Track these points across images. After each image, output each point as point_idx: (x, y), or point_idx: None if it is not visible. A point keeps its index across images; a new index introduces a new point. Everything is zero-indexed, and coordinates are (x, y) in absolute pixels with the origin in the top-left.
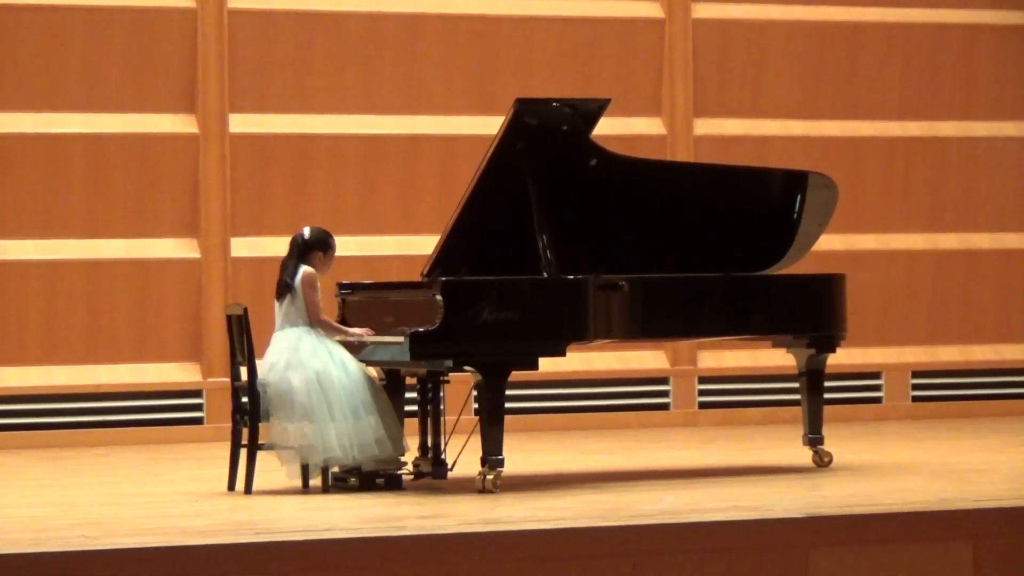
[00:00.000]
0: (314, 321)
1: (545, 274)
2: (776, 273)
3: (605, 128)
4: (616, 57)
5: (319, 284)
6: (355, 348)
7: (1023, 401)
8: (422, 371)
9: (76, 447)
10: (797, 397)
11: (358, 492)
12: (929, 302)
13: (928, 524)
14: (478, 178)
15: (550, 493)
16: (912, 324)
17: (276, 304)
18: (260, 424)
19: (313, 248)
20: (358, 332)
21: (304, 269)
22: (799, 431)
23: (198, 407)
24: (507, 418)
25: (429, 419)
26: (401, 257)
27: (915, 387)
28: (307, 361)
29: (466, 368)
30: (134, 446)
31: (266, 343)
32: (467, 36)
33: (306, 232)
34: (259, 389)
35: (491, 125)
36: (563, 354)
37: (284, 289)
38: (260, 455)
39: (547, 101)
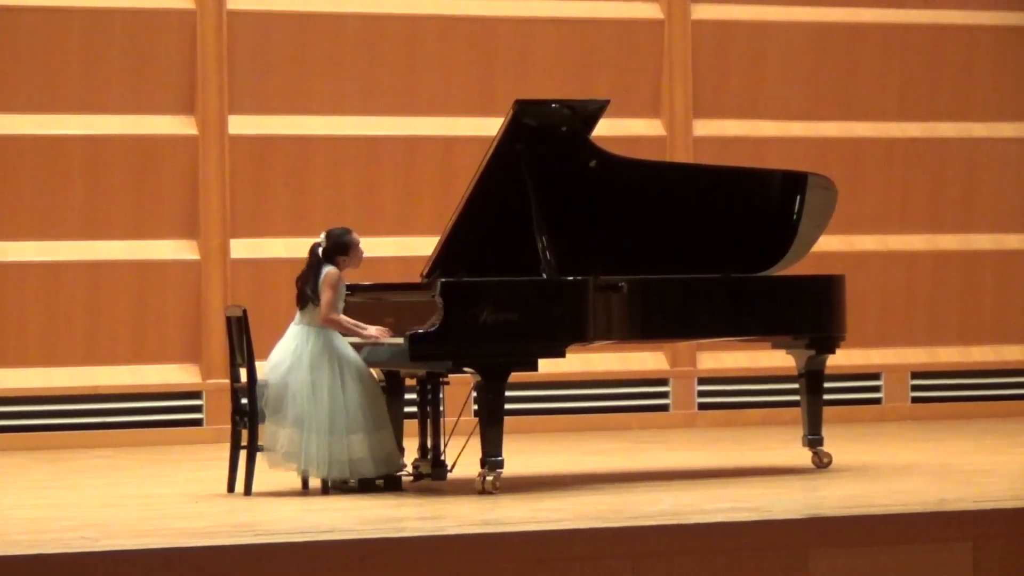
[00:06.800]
0: (321, 319)
1: (545, 275)
2: (775, 274)
3: (604, 129)
4: (615, 58)
5: (342, 285)
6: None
7: (1023, 402)
8: (421, 372)
9: (76, 449)
10: (797, 398)
11: (357, 494)
12: (929, 303)
13: (928, 525)
14: (477, 179)
15: (550, 494)
16: (912, 325)
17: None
18: (259, 426)
19: (333, 255)
20: (373, 333)
21: (327, 269)
22: (799, 432)
23: (198, 409)
24: (507, 419)
25: (429, 420)
26: (401, 258)
27: (915, 388)
28: (308, 370)
29: (466, 369)
30: (134, 448)
31: (265, 344)
32: (466, 37)
33: (323, 240)
34: (260, 387)
35: (490, 126)
36: (563, 355)
37: (304, 299)
38: (259, 457)
39: (546, 102)
